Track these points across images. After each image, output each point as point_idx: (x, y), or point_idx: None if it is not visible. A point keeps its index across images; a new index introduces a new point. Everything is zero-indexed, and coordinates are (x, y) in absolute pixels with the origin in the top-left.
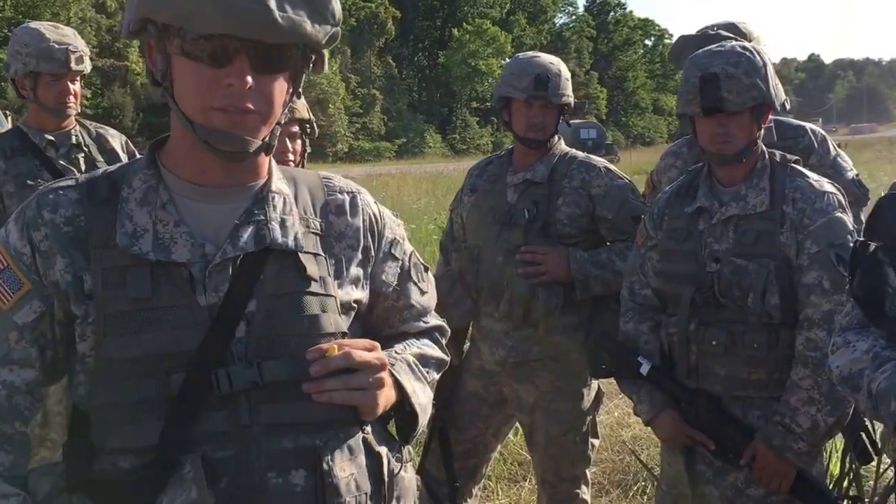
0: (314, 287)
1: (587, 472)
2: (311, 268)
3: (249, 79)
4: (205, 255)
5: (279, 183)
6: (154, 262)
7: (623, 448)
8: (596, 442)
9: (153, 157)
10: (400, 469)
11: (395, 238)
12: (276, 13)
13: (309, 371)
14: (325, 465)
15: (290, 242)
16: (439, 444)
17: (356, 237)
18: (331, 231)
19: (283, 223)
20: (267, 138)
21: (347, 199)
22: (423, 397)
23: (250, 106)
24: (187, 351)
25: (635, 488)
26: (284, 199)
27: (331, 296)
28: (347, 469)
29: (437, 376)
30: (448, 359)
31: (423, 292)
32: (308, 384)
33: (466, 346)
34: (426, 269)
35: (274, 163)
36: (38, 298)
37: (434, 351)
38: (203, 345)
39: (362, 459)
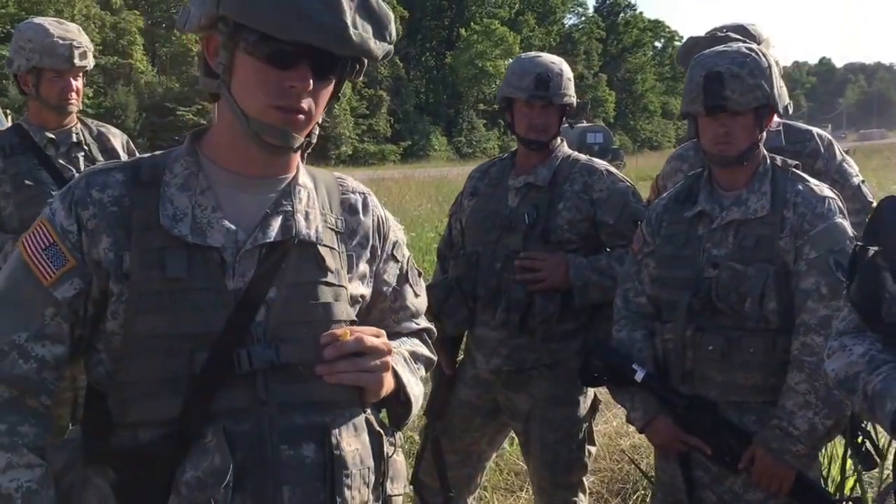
0: (330, 277)
1: (584, 479)
2: (329, 260)
3: (311, 82)
4: (236, 242)
5: (304, 178)
6: (191, 245)
7: (622, 457)
8: (593, 449)
9: (193, 147)
10: (394, 452)
11: (397, 240)
12: (351, 29)
13: (322, 354)
14: (333, 440)
15: (312, 234)
16: (433, 453)
17: (366, 236)
18: (345, 228)
19: (306, 216)
20: (307, 136)
21: (360, 199)
22: (416, 388)
23: (304, 106)
24: (212, 331)
25: (634, 497)
26: (308, 193)
27: (343, 287)
28: (353, 444)
29: (424, 373)
30: (435, 358)
31: (416, 295)
32: (321, 366)
33: (461, 355)
34: (419, 274)
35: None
36: (78, 276)
37: (424, 350)
38: (227, 326)
39: (365, 437)
